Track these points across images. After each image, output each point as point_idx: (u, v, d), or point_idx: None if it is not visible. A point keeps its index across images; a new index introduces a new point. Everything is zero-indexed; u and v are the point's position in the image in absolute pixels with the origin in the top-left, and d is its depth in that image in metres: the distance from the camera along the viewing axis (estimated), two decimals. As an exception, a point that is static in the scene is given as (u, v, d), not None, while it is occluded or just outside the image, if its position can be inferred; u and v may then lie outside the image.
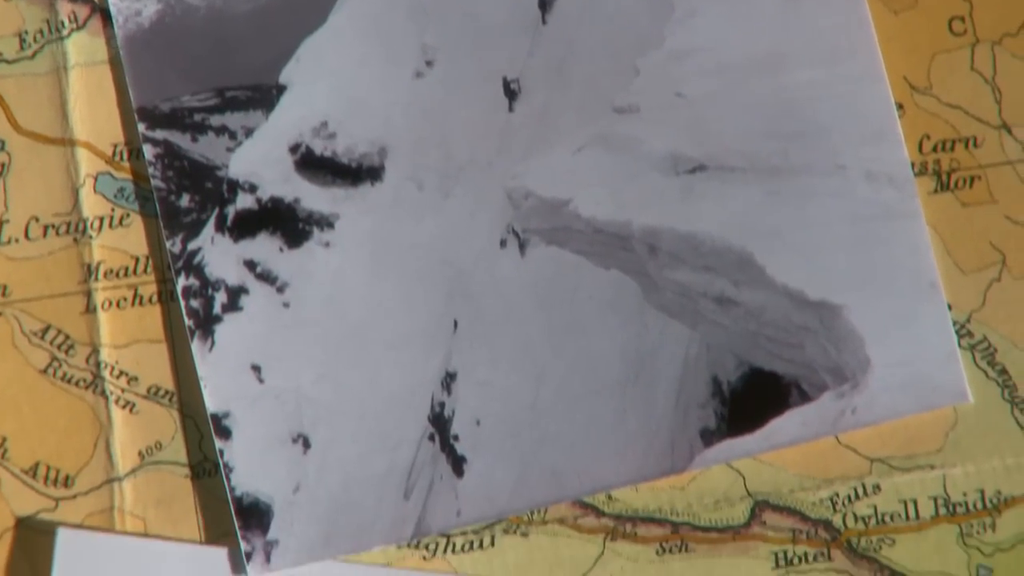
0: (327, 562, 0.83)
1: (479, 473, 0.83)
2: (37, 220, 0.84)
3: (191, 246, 0.84)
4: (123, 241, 0.84)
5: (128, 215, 0.84)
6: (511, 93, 0.84)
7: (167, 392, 0.84)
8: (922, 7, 0.85)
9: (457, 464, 0.83)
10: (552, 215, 0.84)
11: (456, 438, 0.83)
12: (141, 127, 0.84)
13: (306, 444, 0.83)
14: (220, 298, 0.83)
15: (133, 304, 0.84)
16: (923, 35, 0.85)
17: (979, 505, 0.84)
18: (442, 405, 0.83)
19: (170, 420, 0.84)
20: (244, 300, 0.83)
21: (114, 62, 0.84)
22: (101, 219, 0.84)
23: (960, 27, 0.85)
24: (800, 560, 0.84)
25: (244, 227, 0.84)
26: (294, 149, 0.84)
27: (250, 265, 0.84)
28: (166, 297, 0.84)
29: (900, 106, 0.84)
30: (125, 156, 0.84)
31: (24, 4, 0.85)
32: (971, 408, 0.83)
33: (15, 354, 0.84)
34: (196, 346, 0.83)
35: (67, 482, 0.84)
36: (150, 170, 0.84)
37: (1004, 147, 0.84)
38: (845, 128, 0.83)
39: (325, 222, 0.84)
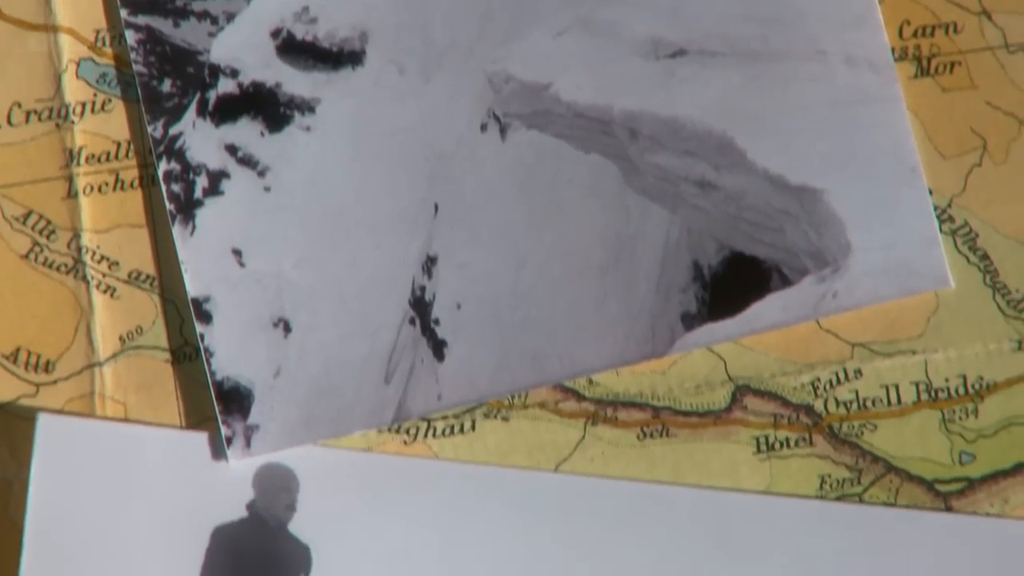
0: (307, 447, 0.83)
1: (460, 357, 0.83)
2: (19, 106, 0.84)
3: (172, 131, 0.84)
4: (105, 126, 0.84)
5: (110, 100, 0.84)
6: (492, -19, 0.85)
7: (148, 277, 0.84)
8: (903, -102, 0.86)
9: (438, 348, 0.83)
10: (533, 99, 0.84)
11: (437, 322, 0.83)
12: (123, 12, 0.84)
13: (287, 328, 0.83)
14: (201, 182, 0.84)
15: (115, 189, 0.84)
16: (904, -75, 0.85)
17: (961, 391, 0.84)
18: (423, 289, 0.83)
19: (151, 305, 0.84)
20: (225, 184, 0.84)
21: (97, -48, 0.85)
22: (83, 104, 0.84)
23: (941, -83, 0.86)
24: (781, 445, 0.84)
25: (225, 112, 0.84)
26: (275, 34, 0.84)
27: (231, 149, 0.84)
28: (148, 182, 0.84)
29: (881, -6, 0.85)
30: (107, 42, 0.85)
31: None
32: (952, 293, 0.83)
33: (-3, 241, 0.84)
34: (177, 230, 0.83)
35: (48, 367, 0.84)
36: (132, 55, 0.84)
37: (984, 33, 0.84)
38: (825, 13, 0.83)
39: (306, 106, 0.84)
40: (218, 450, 0.83)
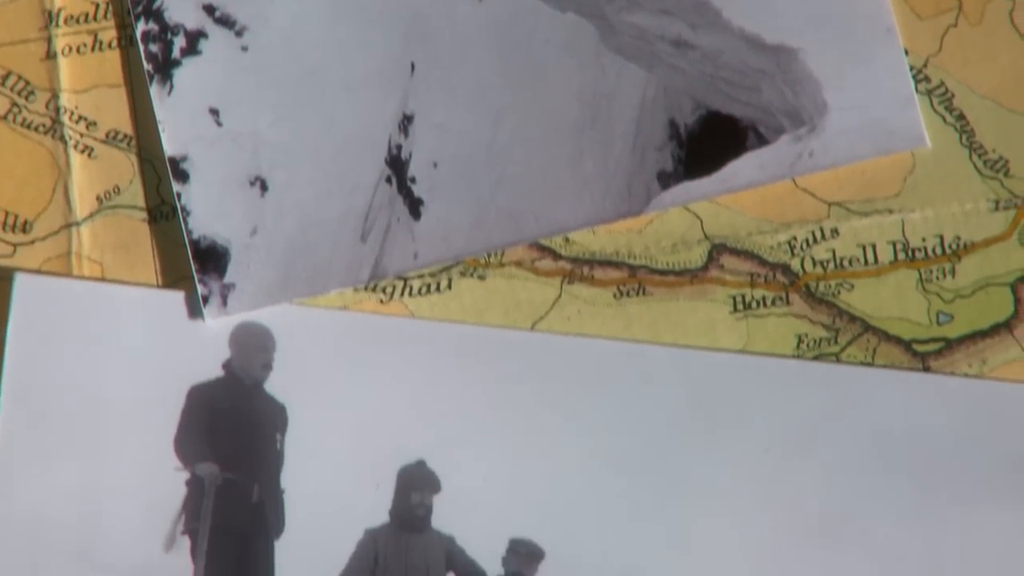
0: (284, 305, 0.83)
1: (436, 215, 0.83)
2: (-2, -32, 0.85)
3: (151, -9, 0.84)
4: (83, -12, 0.85)
5: (89, -38, 0.85)
6: None
7: (126, 136, 0.84)
8: None
9: (414, 206, 0.83)
10: (509, -42, 0.84)
11: (413, 180, 0.83)
12: None
13: (263, 187, 0.83)
14: (179, 42, 0.84)
15: (93, 50, 0.84)
16: None
17: (938, 251, 0.83)
18: (399, 147, 0.83)
19: (128, 164, 0.84)
20: (203, 44, 0.84)
21: None
22: (62, -34, 0.85)
23: None
24: (758, 304, 0.83)
25: (203, -28, 0.84)
26: None
27: (209, 9, 0.84)
28: (126, 42, 0.84)
29: None
30: (86, -96, 0.85)
31: None
32: (929, 153, 0.83)
33: (-24, 104, 0.85)
34: (155, 90, 0.83)
35: (25, 228, 0.84)
36: (111, -83, 0.84)
37: None
38: None
39: (284, -34, 0.84)
40: (194, 309, 0.83)
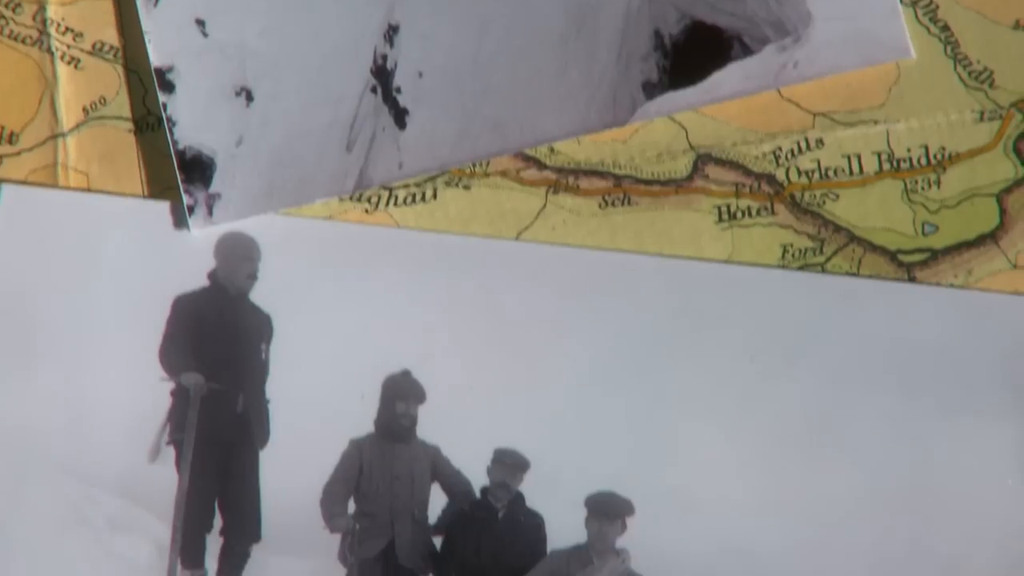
0: (269, 215, 0.83)
1: (421, 125, 0.83)
2: None
3: (137, -97, 0.84)
4: (70, -100, 0.85)
5: None
6: None
7: (112, 48, 0.84)
8: None
9: (399, 116, 0.83)
10: None
11: (398, 90, 0.83)
12: None
13: (249, 97, 0.83)
14: (165, -46, 0.84)
15: (79, -38, 0.85)
16: None
17: (923, 161, 0.83)
18: (384, 58, 0.84)
19: (114, 75, 0.84)
20: (189, -45, 0.84)
21: None
22: None
23: None
24: (743, 214, 0.83)
25: None
26: None
27: (195, -79, 0.84)
28: (112, -46, 0.85)
29: None
30: None
31: None
32: (913, 64, 0.83)
33: (-37, 18, 0.85)
34: (141, 1, 0.84)
35: (11, 139, 0.84)
36: None
37: None
38: None
39: None
40: (180, 219, 0.83)
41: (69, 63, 0.84)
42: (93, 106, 0.84)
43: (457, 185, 0.84)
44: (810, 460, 0.82)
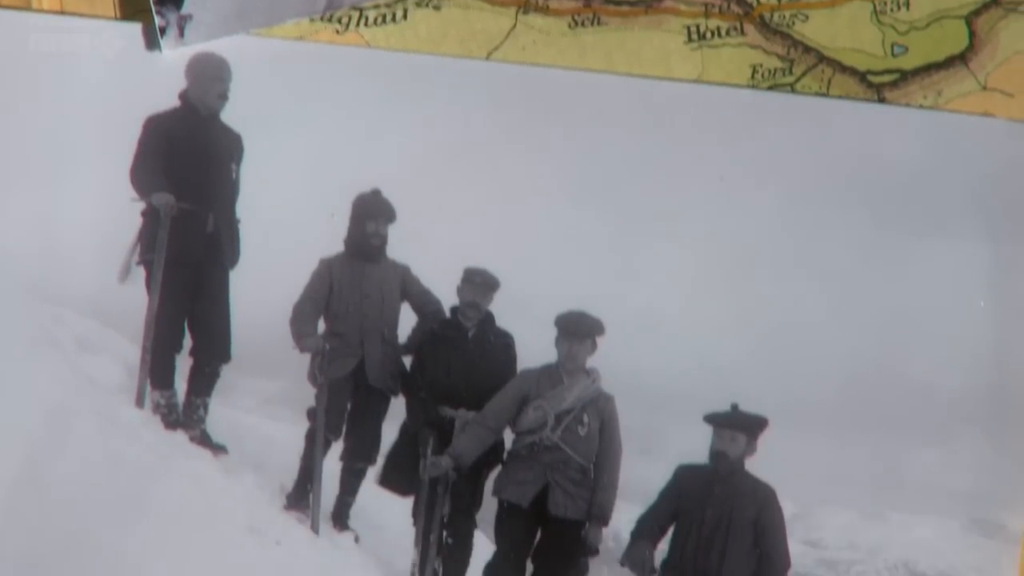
0: (240, 36, 0.83)
1: (392, -54, 0.84)
2: None
3: None
4: None
5: None
6: None
7: None
8: None
9: (370, -63, 0.84)
10: None
11: (369, -88, 0.84)
12: None
13: (221, -81, 0.84)
14: None
15: None
16: None
17: (893, -18, 0.84)
18: None
19: (87, -102, 0.85)
20: None
21: None
22: None
23: None
24: (713, 34, 0.83)
25: None
26: None
27: None
28: None
29: None
30: None
31: None
32: None
33: None
34: None
35: (-16, -38, 0.85)
36: None
37: None
38: None
39: None
40: (152, 40, 0.83)
41: None
42: (65, -72, 0.85)
43: (427, 5, 0.84)
44: (779, 279, 0.82)
